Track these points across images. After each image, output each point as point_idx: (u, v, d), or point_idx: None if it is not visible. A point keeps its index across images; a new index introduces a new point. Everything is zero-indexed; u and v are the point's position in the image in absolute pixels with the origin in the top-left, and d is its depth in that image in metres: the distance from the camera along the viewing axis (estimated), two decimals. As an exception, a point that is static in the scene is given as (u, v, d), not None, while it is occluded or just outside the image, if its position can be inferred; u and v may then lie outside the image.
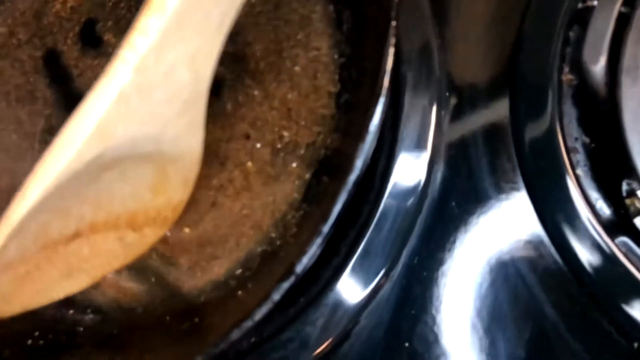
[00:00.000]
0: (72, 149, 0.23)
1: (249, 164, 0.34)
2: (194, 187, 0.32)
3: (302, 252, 0.24)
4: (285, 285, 0.24)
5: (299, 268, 0.24)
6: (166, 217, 0.31)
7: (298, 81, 0.34)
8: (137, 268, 0.33)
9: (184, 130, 0.28)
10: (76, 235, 0.27)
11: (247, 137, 0.34)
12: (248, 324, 0.24)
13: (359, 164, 0.24)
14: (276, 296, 0.24)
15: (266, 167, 0.34)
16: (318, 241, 0.24)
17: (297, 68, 0.34)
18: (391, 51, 0.24)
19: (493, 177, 0.33)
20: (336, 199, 0.24)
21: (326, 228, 0.24)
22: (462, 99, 0.35)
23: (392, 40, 0.24)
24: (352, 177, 0.24)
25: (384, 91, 0.24)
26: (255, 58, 0.35)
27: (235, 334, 0.23)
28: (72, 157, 0.23)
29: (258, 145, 0.34)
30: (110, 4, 0.38)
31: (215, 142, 0.35)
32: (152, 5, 0.23)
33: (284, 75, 0.34)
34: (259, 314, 0.24)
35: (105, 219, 0.28)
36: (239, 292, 0.30)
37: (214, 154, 0.35)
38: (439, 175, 0.34)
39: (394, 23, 0.24)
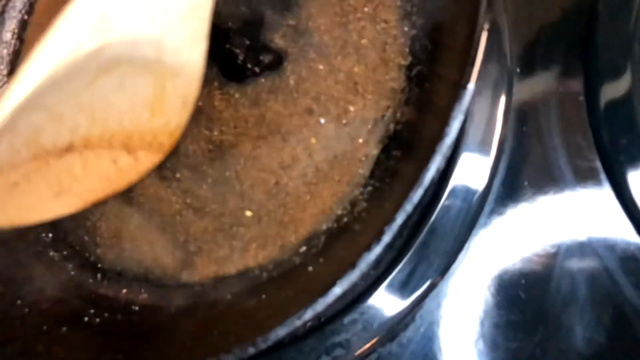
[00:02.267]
0: (73, 36, 0.21)
1: (313, 140, 0.33)
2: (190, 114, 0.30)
3: (391, 219, 0.22)
4: (374, 252, 0.22)
5: (387, 236, 0.22)
6: (162, 142, 0.30)
7: (365, 54, 0.33)
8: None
9: (187, 40, 0.27)
10: (69, 148, 0.26)
11: (311, 112, 0.33)
12: (330, 297, 0.23)
13: (447, 141, 0.22)
14: (363, 265, 0.22)
15: (331, 143, 0.32)
16: (408, 208, 0.22)
17: (364, 41, 0.33)
18: (486, 21, 0.22)
19: (567, 154, 0.32)
20: (427, 165, 0.23)
21: (416, 197, 0.23)
22: (533, 73, 0.33)
23: (484, 8, 0.22)
24: (438, 156, 0.22)
25: (476, 69, 0.22)
26: (320, 31, 0.34)
27: (320, 306, 0.22)
28: (73, 45, 0.21)
29: (322, 120, 0.33)
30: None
31: (277, 117, 0.34)
32: None
33: (350, 49, 0.33)
34: (341, 286, 0.23)
35: (100, 135, 0.27)
36: (309, 268, 0.29)
37: (275, 130, 0.34)
38: (508, 153, 0.33)
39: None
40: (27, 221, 0.29)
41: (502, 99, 0.34)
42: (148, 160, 0.31)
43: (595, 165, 0.31)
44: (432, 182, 0.23)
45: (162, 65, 0.27)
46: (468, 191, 0.33)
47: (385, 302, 0.33)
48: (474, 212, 0.33)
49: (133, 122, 0.28)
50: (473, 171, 0.33)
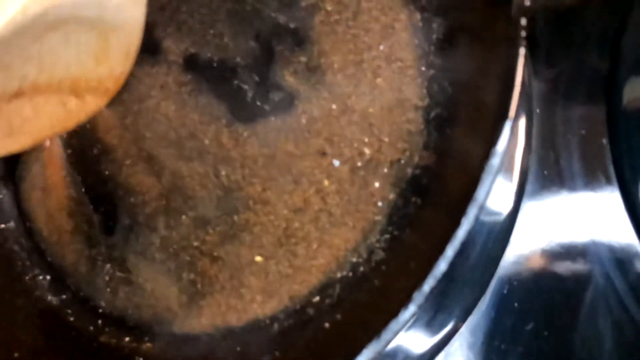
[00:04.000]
0: (18, 2, 0.23)
1: (326, 182, 0.32)
2: (133, 62, 0.31)
3: (419, 284, 0.21)
4: (401, 320, 0.21)
5: (415, 302, 0.21)
6: (107, 88, 0.32)
7: (380, 94, 0.32)
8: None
9: (127, 2, 0.29)
10: (18, 94, 0.27)
11: (323, 153, 0.32)
12: (382, 342, 0.21)
13: (479, 200, 0.21)
14: (389, 334, 0.21)
15: (345, 186, 0.31)
16: (437, 273, 0.21)
17: (379, 80, 0.32)
18: (521, 64, 0.21)
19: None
20: (456, 226, 0.21)
21: (444, 264, 0.21)
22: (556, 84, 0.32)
23: (522, 52, 0.21)
24: (473, 208, 0.21)
25: (512, 113, 0.21)
26: (332, 69, 0.32)
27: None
28: (18, 10, 0.24)
29: (335, 162, 0.32)
30: (171, 7, 0.36)
31: (288, 158, 0.32)
32: None
33: (364, 88, 0.32)
34: (365, 356, 0.21)
35: (48, 81, 0.28)
36: (325, 325, 0.27)
37: (286, 171, 0.32)
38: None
39: (523, 33, 0.21)
40: None
41: (523, 136, 0.33)
42: (94, 103, 0.32)
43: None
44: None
45: (104, 23, 0.29)
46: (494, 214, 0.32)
47: (411, 341, 0.32)
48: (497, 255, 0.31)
49: (79, 69, 0.30)
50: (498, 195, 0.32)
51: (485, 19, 0.26)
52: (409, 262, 0.25)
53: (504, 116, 0.22)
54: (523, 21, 0.21)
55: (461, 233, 0.21)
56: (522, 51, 0.21)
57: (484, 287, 0.31)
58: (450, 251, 0.22)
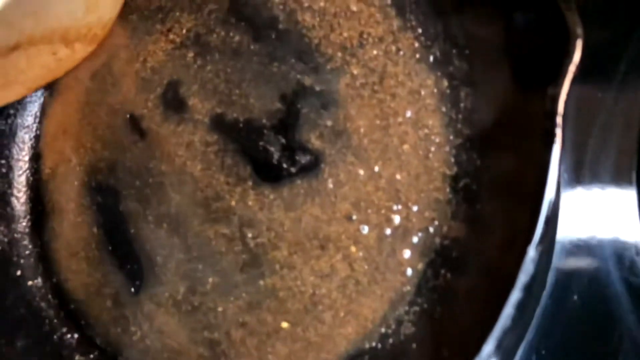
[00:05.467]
0: None
1: (353, 249, 0.31)
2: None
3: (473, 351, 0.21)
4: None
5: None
6: (95, 34, 0.34)
7: (407, 160, 0.31)
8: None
9: None
10: (16, 47, 0.29)
11: (350, 218, 0.32)
12: None
13: (521, 281, 0.21)
14: None
15: (373, 253, 0.31)
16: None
17: (405, 146, 0.32)
18: (557, 149, 0.21)
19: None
20: (495, 319, 0.21)
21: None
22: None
23: (559, 133, 0.21)
24: (514, 295, 0.21)
25: (552, 193, 0.21)
26: (359, 133, 0.32)
27: None
28: None
29: (363, 228, 0.32)
30: (196, 65, 0.36)
31: (314, 222, 0.32)
32: None
33: (390, 154, 0.32)
34: None
35: (42, 33, 0.30)
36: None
37: (312, 236, 0.32)
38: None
39: (559, 120, 0.21)
40: None
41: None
42: (83, 50, 0.35)
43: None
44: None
45: None
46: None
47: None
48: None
49: (71, 19, 0.31)
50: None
51: (516, 103, 0.25)
52: (441, 348, 0.25)
53: (538, 201, 0.22)
54: (559, 119, 0.21)
55: (498, 330, 0.21)
56: (556, 148, 0.21)
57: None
58: (488, 347, 0.21)
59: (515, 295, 0.20)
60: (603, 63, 0.33)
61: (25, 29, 0.29)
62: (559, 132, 0.21)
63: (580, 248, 0.32)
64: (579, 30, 0.21)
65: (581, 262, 0.32)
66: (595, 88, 0.33)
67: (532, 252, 0.21)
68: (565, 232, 0.31)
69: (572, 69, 0.22)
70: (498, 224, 0.26)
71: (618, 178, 0.32)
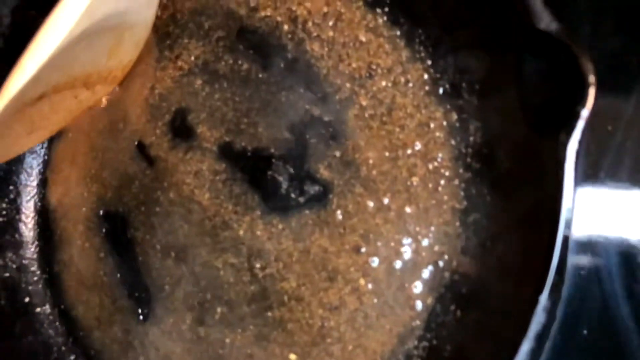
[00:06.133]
0: (66, 28, 0.25)
1: (362, 281, 0.31)
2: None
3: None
4: None
5: None
6: (115, 75, 0.35)
7: (416, 193, 0.31)
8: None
9: (144, 5, 0.32)
10: (42, 97, 0.30)
11: (358, 251, 0.32)
12: None
13: (532, 331, 0.21)
14: None
15: (381, 287, 0.31)
16: None
17: (414, 179, 0.31)
18: (569, 186, 0.21)
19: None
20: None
21: None
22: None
23: (571, 171, 0.21)
24: (525, 347, 0.21)
25: (561, 234, 0.21)
26: (367, 165, 0.32)
27: None
28: (65, 35, 0.25)
29: (372, 261, 0.31)
30: (204, 93, 0.36)
31: (323, 253, 0.32)
32: None
33: (399, 186, 0.32)
34: None
35: (66, 81, 0.31)
36: None
37: (321, 267, 0.32)
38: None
39: (569, 167, 0.21)
40: (5, 158, 0.35)
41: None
42: (103, 90, 0.36)
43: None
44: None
45: (122, 24, 0.31)
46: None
47: None
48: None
49: (94, 66, 0.32)
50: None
51: (527, 143, 0.25)
52: None
53: (550, 248, 0.22)
54: (570, 166, 0.21)
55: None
56: (568, 193, 0.21)
57: None
58: None
59: (526, 346, 0.20)
60: (622, 71, 0.32)
61: (52, 81, 0.29)
62: (570, 177, 0.21)
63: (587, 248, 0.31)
64: (592, 78, 0.21)
65: (583, 260, 0.31)
66: (614, 96, 0.32)
67: (543, 301, 0.21)
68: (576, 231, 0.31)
69: (584, 114, 0.21)
70: (509, 263, 0.26)
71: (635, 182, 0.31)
